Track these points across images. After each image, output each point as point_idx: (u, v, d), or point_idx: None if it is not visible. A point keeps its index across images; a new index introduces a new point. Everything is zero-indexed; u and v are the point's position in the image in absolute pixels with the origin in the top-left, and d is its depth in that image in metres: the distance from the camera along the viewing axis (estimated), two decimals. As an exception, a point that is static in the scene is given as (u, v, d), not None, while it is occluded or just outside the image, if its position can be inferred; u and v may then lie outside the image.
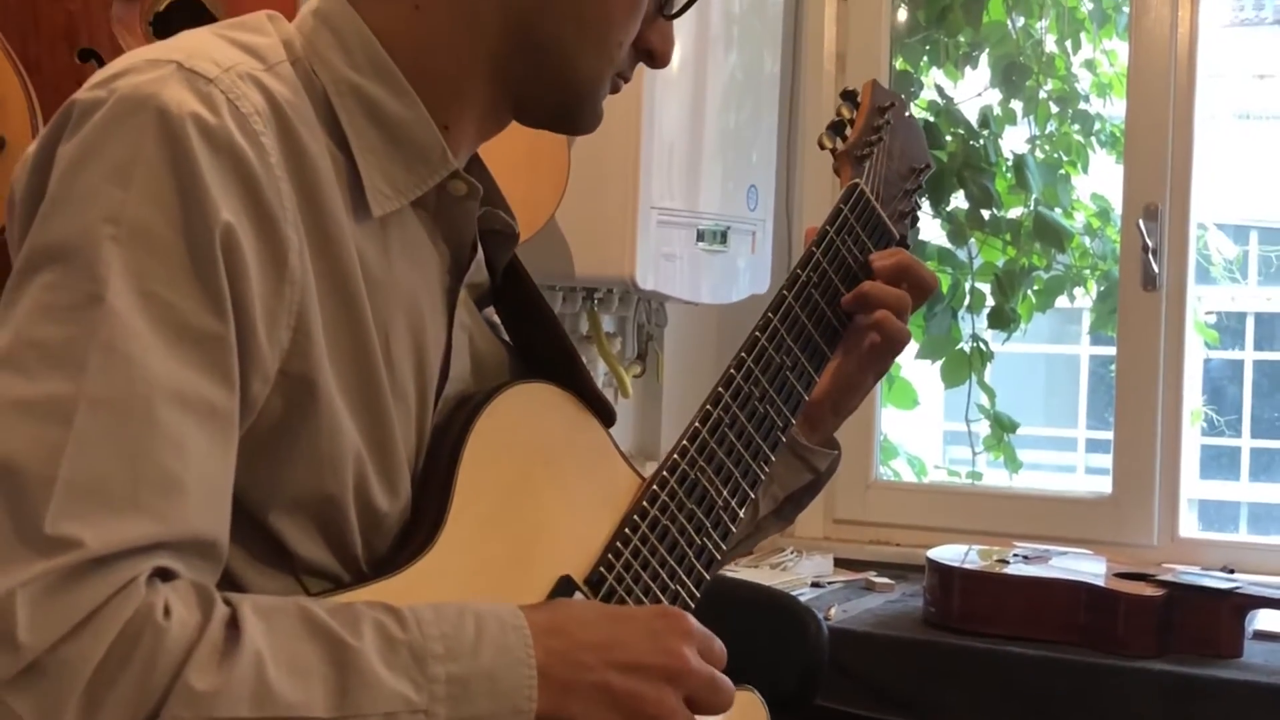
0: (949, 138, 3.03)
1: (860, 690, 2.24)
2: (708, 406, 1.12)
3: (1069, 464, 5.34)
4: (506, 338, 1.12)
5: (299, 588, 0.92)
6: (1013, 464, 3.06)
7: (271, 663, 0.80)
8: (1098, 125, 3.07)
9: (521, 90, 1.01)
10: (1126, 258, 2.71)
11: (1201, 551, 2.65)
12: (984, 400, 3.04)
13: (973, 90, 3.10)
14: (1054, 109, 3.06)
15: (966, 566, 2.33)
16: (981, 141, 3.00)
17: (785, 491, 1.29)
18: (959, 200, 3.01)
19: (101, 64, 1.55)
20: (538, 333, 1.10)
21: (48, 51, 1.57)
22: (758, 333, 1.17)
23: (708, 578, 1.10)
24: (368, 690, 0.81)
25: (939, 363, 3.03)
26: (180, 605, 0.80)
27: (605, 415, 1.09)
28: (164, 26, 1.71)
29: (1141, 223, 2.66)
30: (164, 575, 0.81)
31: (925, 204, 3.01)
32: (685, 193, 2.51)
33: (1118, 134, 3.00)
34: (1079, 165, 3.06)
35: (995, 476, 3.11)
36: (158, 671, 0.77)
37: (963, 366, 3.00)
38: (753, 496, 1.14)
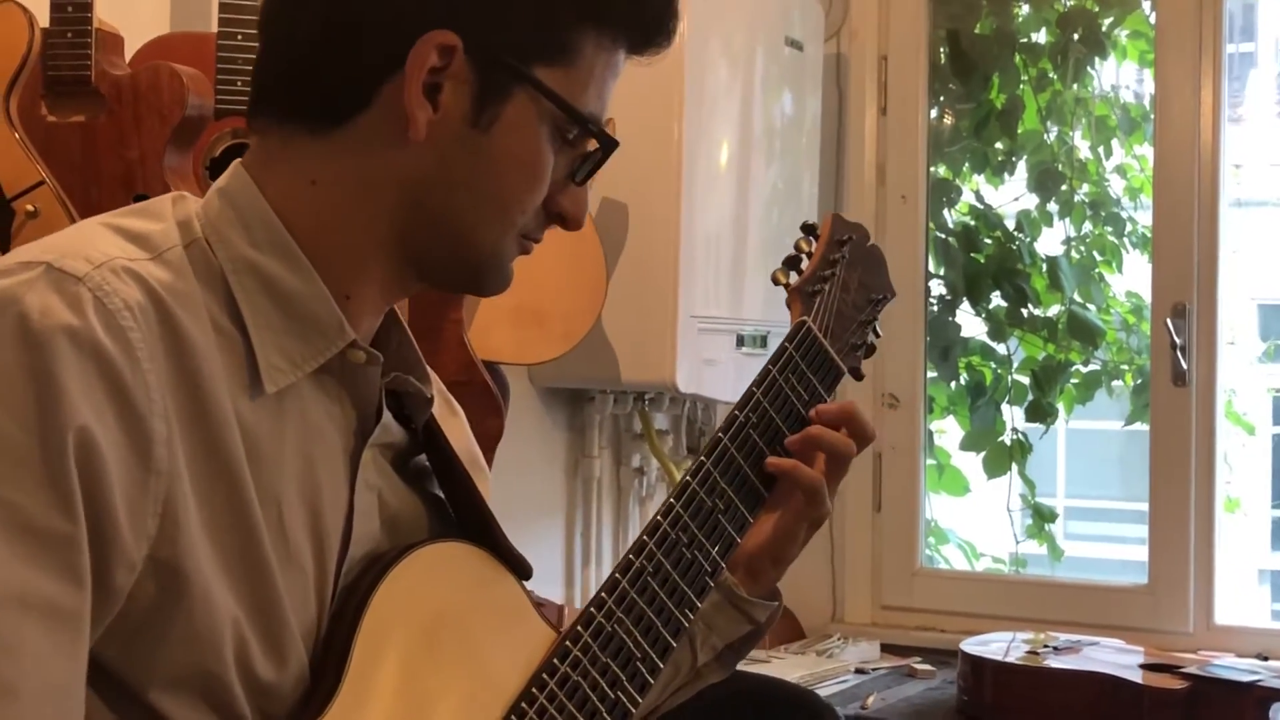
0: (988, 240, 3.03)
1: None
2: (630, 555, 1.07)
3: (1142, 536, 5.24)
4: (438, 489, 1.08)
5: None
6: (1055, 553, 3.01)
7: None
8: (1129, 227, 3.04)
9: (423, 259, 0.99)
10: (1157, 355, 2.67)
11: (1237, 638, 2.58)
12: (1026, 490, 3.00)
13: (1010, 195, 3.09)
14: (1088, 212, 3.04)
15: (997, 659, 2.30)
16: (1017, 244, 2.99)
17: (724, 641, 1.21)
18: (998, 299, 2.99)
19: (156, 208, 1.60)
20: (455, 490, 1.06)
21: (108, 197, 1.61)
22: (689, 477, 1.11)
23: None
24: None
25: (982, 454, 3.00)
26: None
27: (520, 571, 1.04)
28: (221, 172, 1.76)
29: (1169, 321, 2.62)
30: None
31: (966, 303, 3.00)
32: (728, 300, 2.52)
33: (1149, 235, 2.97)
34: (1114, 265, 3.04)
35: (1041, 563, 3.06)
36: None
37: (1004, 458, 2.96)
38: (674, 645, 1.07)
